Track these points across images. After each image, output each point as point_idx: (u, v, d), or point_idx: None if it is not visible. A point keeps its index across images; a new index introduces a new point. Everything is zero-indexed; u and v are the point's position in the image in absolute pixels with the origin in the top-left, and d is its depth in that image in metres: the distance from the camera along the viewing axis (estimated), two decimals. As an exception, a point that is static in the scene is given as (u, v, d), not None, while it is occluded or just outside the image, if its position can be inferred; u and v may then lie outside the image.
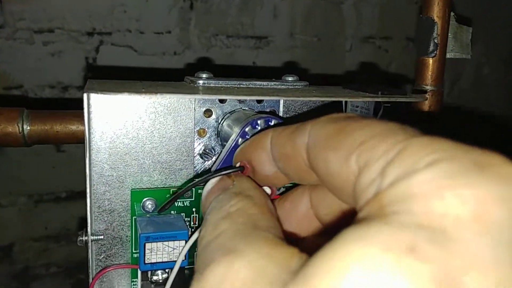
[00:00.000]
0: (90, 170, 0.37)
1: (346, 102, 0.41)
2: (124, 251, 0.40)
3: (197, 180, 0.36)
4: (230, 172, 0.33)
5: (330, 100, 0.39)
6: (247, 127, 0.35)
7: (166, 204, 0.36)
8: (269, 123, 0.35)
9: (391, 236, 0.12)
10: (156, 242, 0.35)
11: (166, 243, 0.36)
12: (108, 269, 0.38)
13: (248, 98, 0.38)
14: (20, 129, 0.37)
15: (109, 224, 0.39)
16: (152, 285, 0.37)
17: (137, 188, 0.38)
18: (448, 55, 0.47)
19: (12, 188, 0.88)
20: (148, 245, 0.35)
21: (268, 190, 0.35)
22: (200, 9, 0.92)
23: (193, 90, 0.36)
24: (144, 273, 0.37)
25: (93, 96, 0.35)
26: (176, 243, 0.36)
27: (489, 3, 1.07)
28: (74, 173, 0.89)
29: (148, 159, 0.39)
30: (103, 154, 0.37)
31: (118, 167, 0.38)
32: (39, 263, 0.93)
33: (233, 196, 0.22)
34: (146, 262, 0.36)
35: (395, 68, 1.04)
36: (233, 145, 0.35)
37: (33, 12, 0.83)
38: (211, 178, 0.33)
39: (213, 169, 0.35)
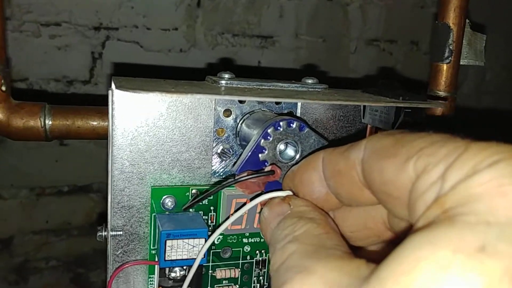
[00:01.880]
0: (111, 166, 0.37)
1: (365, 106, 0.41)
2: (141, 247, 0.40)
3: (225, 182, 0.37)
4: (262, 175, 0.34)
5: (353, 104, 0.40)
6: (269, 128, 0.35)
7: (194, 202, 0.37)
8: (291, 124, 0.36)
9: (460, 238, 0.13)
10: (177, 239, 0.36)
11: (186, 240, 0.36)
12: (127, 265, 0.39)
13: (271, 100, 0.38)
14: (42, 123, 0.37)
15: (128, 220, 0.39)
16: (170, 282, 0.37)
17: (157, 186, 0.39)
18: (462, 62, 0.48)
19: (14, 181, 0.88)
20: (169, 242, 0.36)
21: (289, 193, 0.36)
22: (207, 7, 0.92)
23: (217, 91, 0.37)
24: (162, 270, 0.37)
25: (118, 93, 0.35)
26: (196, 241, 0.36)
27: (492, 10, 1.09)
28: (77, 167, 0.89)
29: (168, 157, 0.39)
30: (124, 151, 0.38)
31: (138, 164, 0.38)
32: (38, 256, 0.93)
33: (295, 221, 0.23)
34: (166, 259, 0.36)
35: (399, 71, 1.05)
36: (255, 146, 0.35)
37: (41, 5, 0.83)
38: (241, 181, 0.34)
39: (234, 169, 0.35)
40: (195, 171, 0.40)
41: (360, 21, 1.01)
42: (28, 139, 0.38)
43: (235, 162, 0.39)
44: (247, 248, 0.42)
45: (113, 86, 0.34)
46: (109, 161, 0.37)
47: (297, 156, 0.37)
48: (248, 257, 0.42)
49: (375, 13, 1.01)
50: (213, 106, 0.39)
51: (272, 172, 0.34)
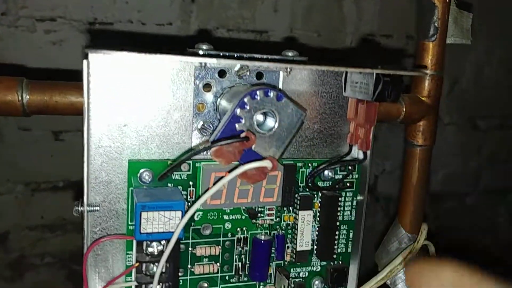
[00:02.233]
0: (88, 140, 0.37)
1: (346, 78, 0.41)
2: (119, 225, 0.39)
3: (198, 149, 0.36)
4: (235, 141, 0.33)
5: (331, 69, 0.40)
6: (246, 97, 0.35)
7: (167, 171, 0.36)
8: (268, 94, 0.35)
9: None
10: (152, 211, 0.35)
11: (162, 213, 0.36)
12: (103, 239, 0.38)
13: (249, 64, 0.38)
14: (19, 97, 0.37)
15: (106, 196, 0.39)
16: (147, 257, 0.37)
17: (135, 159, 0.38)
18: (448, 40, 0.47)
19: (10, 176, 0.88)
20: (144, 214, 0.35)
21: (268, 163, 0.35)
22: (201, 2, 0.92)
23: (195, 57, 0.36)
24: (140, 245, 0.37)
25: (93, 56, 0.35)
26: (173, 213, 0.36)
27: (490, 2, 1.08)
28: (72, 163, 0.89)
29: (146, 132, 0.38)
30: (102, 125, 0.37)
31: (116, 138, 0.38)
32: (34, 252, 0.92)
33: None
34: (142, 231, 0.35)
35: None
36: (231, 115, 0.35)
37: (36, 0, 0.83)
38: (215, 146, 0.33)
39: (211, 139, 0.35)
40: (175, 146, 0.39)
41: (355, 15, 1.00)
42: (7, 114, 0.38)
43: (212, 132, 0.39)
44: (228, 225, 0.42)
45: (88, 52, 0.34)
46: (85, 135, 0.37)
47: (276, 126, 0.36)
48: (229, 235, 0.42)
49: (370, 7, 1.01)
50: (193, 79, 0.39)
51: (246, 138, 0.34)
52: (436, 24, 0.45)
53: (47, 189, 0.91)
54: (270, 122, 0.36)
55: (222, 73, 0.39)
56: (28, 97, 0.38)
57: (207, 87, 0.40)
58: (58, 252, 0.94)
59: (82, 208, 0.38)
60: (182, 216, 0.36)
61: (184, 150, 0.40)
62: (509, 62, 1.19)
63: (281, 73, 0.41)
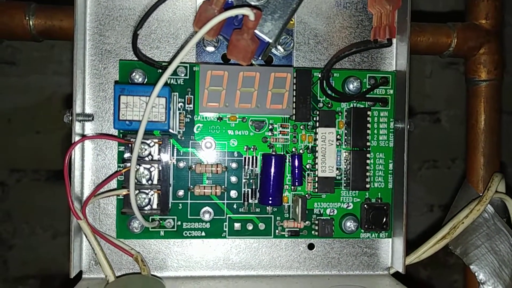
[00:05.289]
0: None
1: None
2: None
3: None
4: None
5: None
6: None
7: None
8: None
9: None
10: (133, 96, 0.32)
11: (144, 98, 0.32)
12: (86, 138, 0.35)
13: None
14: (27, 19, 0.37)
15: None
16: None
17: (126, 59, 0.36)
18: None
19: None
20: (123, 98, 0.32)
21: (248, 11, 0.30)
22: None
23: None
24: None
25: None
26: (156, 100, 0.32)
27: None
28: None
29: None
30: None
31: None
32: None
33: None
34: (120, 118, 0.32)
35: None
36: None
37: None
38: None
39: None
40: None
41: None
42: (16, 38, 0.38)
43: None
44: (233, 143, 0.36)
45: None
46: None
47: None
48: (236, 154, 0.36)
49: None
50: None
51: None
52: None
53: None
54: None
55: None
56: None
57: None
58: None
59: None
60: (167, 104, 0.32)
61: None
62: None
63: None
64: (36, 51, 0.76)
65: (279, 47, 0.36)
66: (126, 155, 0.33)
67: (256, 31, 0.32)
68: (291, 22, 0.37)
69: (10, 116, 0.77)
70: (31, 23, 0.37)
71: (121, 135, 0.35)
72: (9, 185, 0.80)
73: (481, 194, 0.41)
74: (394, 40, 0.38)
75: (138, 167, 0.33)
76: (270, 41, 0.32)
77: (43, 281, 0.86)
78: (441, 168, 0.90)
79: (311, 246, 0.38)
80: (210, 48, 0.36)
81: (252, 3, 0.32)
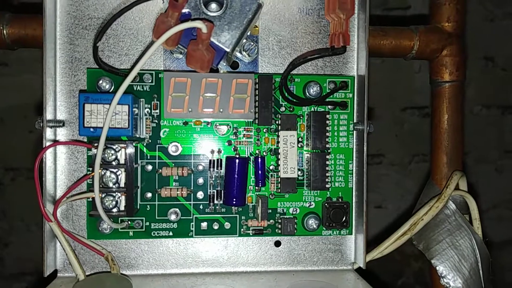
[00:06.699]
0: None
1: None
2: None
3: None
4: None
5: None
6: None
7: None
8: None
9: None
10: (97, 104, 0.33)
11: (107, 106, 0.33)
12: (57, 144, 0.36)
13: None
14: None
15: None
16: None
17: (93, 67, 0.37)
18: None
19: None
20: (87, 106, 0.33)
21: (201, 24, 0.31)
22: None
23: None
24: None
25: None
26: (119, 107, 0.33)
27: None
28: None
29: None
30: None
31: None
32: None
33: None
34: (85, 125, 0.33)
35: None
36: None
37: None
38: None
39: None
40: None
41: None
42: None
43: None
44: (198, 146, 0.38)
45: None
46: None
47: (224, 6, 0.33)
48: (201, 157, 0.38)
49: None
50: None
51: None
52: None
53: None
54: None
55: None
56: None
57: None
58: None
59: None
60: (130, 111, 0.33)
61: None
62: None
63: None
64: (28, 51, 0.77)
65: (244, 53, 0.38)
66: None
67: (214, 40, 0.33)
68: (256, 28, 0.38)
69: (3, 115, 0.79)
70: (5, 32, 0.38)
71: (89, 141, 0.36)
72: (4, 184, 0.82)
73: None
74: (355, 45, 0.39)
75: (105, 171, 0.34)
76: (228, 50, 0.33)
77: (39, 278, 0.87)
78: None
79: (277, 243, 0.39)
80: (177, 55, 0.38)
81: (209, 14, 0.33)
